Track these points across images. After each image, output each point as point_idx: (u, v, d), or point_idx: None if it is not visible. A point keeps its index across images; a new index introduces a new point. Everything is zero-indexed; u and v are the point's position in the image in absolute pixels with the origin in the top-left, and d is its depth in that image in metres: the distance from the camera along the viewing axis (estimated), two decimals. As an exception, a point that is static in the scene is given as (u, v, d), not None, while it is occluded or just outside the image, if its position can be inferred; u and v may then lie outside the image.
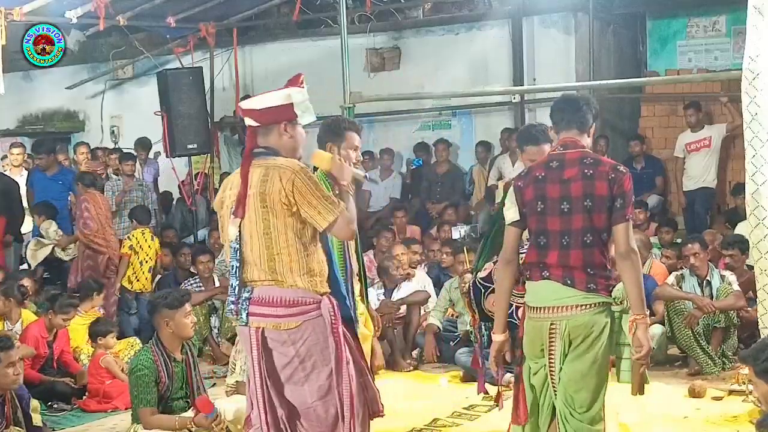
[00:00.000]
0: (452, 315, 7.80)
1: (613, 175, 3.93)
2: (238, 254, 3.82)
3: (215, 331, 8.34)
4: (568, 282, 3.91)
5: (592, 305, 3.91)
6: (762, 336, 6.40)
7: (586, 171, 3.94)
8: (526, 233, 4.21)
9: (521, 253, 4.24)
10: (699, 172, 10.37)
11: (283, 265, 3.78)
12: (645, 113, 11.56)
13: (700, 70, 11.13)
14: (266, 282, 3.80)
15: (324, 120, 4.96)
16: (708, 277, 7.19)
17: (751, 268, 7.01)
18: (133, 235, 9.24)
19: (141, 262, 9.16)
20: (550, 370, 3.98)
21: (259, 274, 3.81)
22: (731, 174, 10.61)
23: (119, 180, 10.50)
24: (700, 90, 10.91)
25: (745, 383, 6.19)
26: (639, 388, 4.25)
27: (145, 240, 9.26)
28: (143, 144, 11.81)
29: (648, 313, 4.06)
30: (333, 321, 3.83)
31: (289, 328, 3.78)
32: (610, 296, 3.99)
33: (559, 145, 4.09)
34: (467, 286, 4.96)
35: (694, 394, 6.34)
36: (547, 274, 3.94)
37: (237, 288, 3.82)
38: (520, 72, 11.09)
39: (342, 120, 4.85)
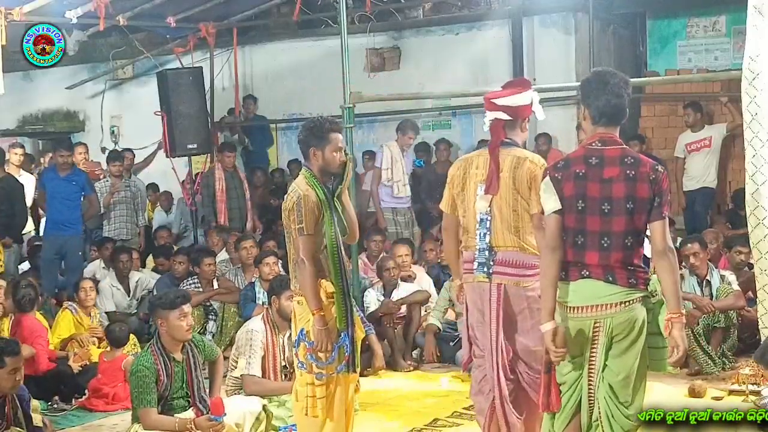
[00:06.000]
0: (453, 316, 7.81)
1: (653, 176, 3.92)
2: (487, 223, 4.60)
3: (210, 335, 8.07)
4: (610, 279, 3.90)
5: (634, 301, 3.92)
6: (762, 336, 6.41)
7: (628, 172, 3.90)
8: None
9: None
10: (700, 172, 10.36)
11: (525, 234, 4.57)
12: (645, 113, 11.54)
13: (700, 70, 11.12)
14: (511, 248, 4.58)
15: (305, 122, 4.93)
16: (708, 277, 7.19)
17: (750, 267, 7.02)
18: None
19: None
20: (590, 368, 3.96)
21: (506, 241, 4.60)
22: (731, 174, 10.61)
23: (107, 181, 10.49)
24: (700, 90, 10.90)
25: (745, 383, 6.19)
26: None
27: (3, 252, 8.89)
28: None
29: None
30: None
31: (527, 285, 4.55)
32: (647, 289, 4.00)
33: (597, 140, 4.01)
34: None
35: (694, 394, 6.34)
36: (587, 273, 3.91)
37: (485, 251, 4.59)
38: (520, 72, 11.05)
39: (324, 121, 4.79)
